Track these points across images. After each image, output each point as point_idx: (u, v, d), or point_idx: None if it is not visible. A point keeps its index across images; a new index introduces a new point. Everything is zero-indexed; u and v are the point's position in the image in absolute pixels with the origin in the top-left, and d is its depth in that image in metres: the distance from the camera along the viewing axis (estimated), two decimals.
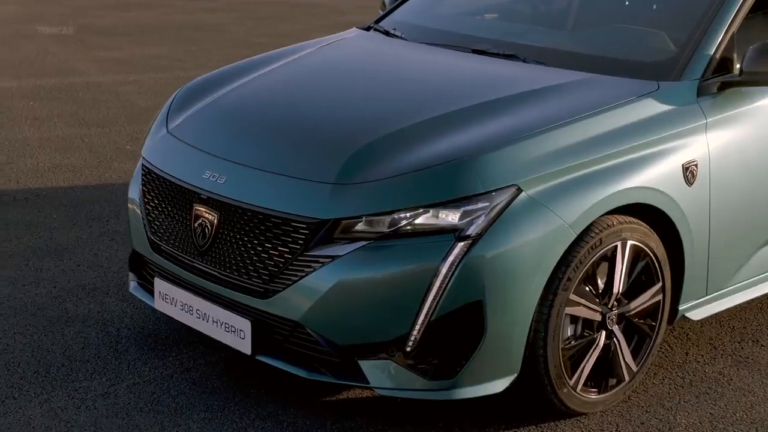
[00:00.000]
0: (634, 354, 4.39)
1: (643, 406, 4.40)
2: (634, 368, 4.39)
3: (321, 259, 3.93)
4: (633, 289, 4.31)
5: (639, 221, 4.25)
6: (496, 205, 3.91)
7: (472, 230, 3.87)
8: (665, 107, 4.38)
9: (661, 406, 4.41)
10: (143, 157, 4.65)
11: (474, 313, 3.90)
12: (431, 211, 3.91)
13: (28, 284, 5.46)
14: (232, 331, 4.17)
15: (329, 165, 4.07)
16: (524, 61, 4.78)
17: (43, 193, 6.85)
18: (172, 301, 4.41)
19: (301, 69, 5.01)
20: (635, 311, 4.33)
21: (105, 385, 4.48)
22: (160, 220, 4.45)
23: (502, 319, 3.93)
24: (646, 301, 4.35)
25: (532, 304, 3.97)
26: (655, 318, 4.42)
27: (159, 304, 4.49)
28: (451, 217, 3.89)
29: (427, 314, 3.88)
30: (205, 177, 4.25)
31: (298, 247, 3.96)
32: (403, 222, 3.90)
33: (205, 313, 4.27)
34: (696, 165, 4.37)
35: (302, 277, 3.96)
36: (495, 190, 3.92)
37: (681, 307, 4.53)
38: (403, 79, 4.79)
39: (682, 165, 4.34)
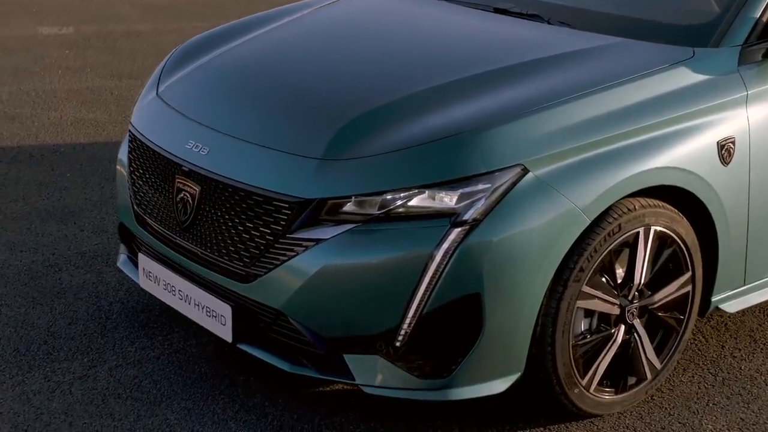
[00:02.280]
0: (659, 350, 3.97)
1: (666, 408, 3.99)
2: (658, 366, 3.97)
3: (304, 243, 3.56)
4: (658, 280, 3.88)
5: (666, 205, 3.81)
6: (499, 186, 3.49)
7: (469, 215, 3.46)
8: (700, 77, 3.91)
9: (687, 409, 3.99)
10: (130, 122, 4.31)
11: (471, 306, 3.50)
12: (427, 192, 3.51)
13: (26, 250, 5.17)
14: (213, 316, 3.83)
15: (318, 138, 3.68)
16: (548, 23, 4.32)
17: (60, 150, 6.56)
18: (156, 279, 4.08)
19: (304, 29, 4.60)
20: (660, 304, 3.90)
21: (85, 367, 4.18)
22: (144, 191, 4.11)
23: (504, 313, 3.53)
24: (672, 293, 3.92)
25: (538, 297, 3.57)
26: (683, 311, 3.98)
27: (143, 282, 4.17)
28: (447, 200, 3.49)
29: (418, 306, 3.49)
30: (188, 147, 3.89)
31: (280, 228, 3.59)
32: (396, 204, 3.51)
33: (187, 295, 3.93)
34: (733, 142, 3.91)
35: (284, 261, 3.59)
36: (498, 170, 3.50)
37: (714, 299, 4.09)
38: (411, 42, 4.36)
39: (717, 142, 3.88)
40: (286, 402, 3.98)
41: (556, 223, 3.53)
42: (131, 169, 4.19)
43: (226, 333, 3.80)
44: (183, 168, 3.86)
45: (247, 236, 3.67)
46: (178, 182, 3.88)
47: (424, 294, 3.48)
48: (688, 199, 3.87)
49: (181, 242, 3.91)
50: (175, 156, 3.91)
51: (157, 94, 4.29)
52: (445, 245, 3.45)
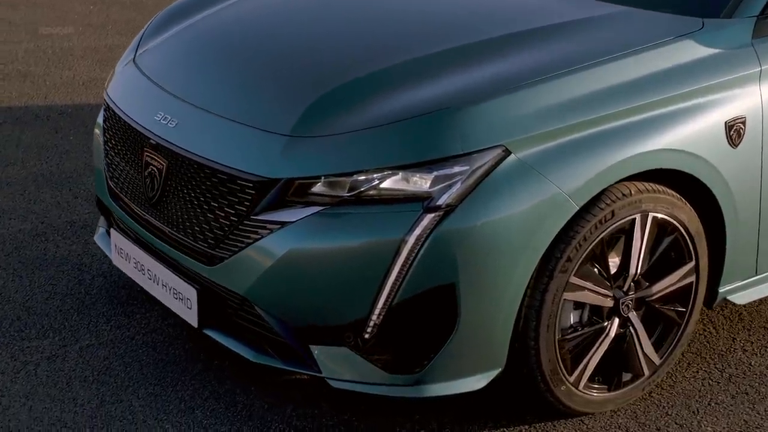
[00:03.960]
0: (658, 345, 3.69)
1: (664, 407, 3.71)
2: (657, 361, 3.69)
3: (269, 225, 3.32)
4: (656, 270, 3.60)
5: (666, 189, 3.52)
6: (477, 169, 3.22)
7: (443, 199, 3.20)
8: (709, 51, 3.59)
9: (686, 408, 3.71)
10: (105, 90, 4.09)
11: (445, 297, 3.25)
12: (401, 173, 3.24)
13: (15, 218, 5.00)
14: (180, 299, 3.62)
15: (287, 113, 3.43)
16: None
17: (67, 111, 6.38)
18: (127, 257, 3.87)
19: None
20: (658, 295, 3.62)
21: (56, 346, 3.99)
22: (116, 163, 3.90)
23: (481, 305, 3.27)
24: (673, 284, 3.64)
25: (519, 288, 3.30)
26: (685, 303, 3.69)
27: (115, 259, 3.96)
28: (422, 183, 3.23)
29: (388, 296, 3.24)
30: (157, 119, 3.66)
31: (245, 209, 3.35)
32: (367, 186, 3.25)
33: (155, 275, 3.72)
34: (743, 122, 3.59)
35: (249, 244, 3.35)
36: (476, 152, 3.23)
37: (721, 289, 3.79)
38: (399, 10, 4.06)
39: (725, 122, 3.57)
40: (258, 389, 3.76)
41: (539, 209, 3.25)
42: (105, 139, 3.98)
43: (191, 317, 3.59)
44: (150, 141, 3.63)
45: (212, 216, 3.44)
46: (147, 155, 3.66)
47: (394, 283, 3.23)
48: (693, 184, 3.57)
49: (150, 219, 3.70)
50: (144, 127, 3.68)
51: (133, 60, 4.06)
52: (417, 231, 3.19)
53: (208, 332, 3.58)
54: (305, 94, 3.48)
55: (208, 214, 3.44)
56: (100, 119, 4.11)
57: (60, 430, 3.53)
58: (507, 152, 3.24)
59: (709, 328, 4.17)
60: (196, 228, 3.49)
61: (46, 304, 4.27)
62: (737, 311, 4.29)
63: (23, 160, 5.65)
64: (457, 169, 3.21)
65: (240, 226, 3.36)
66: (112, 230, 3.94)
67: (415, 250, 3.20)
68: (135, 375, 3.83)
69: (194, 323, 3.58)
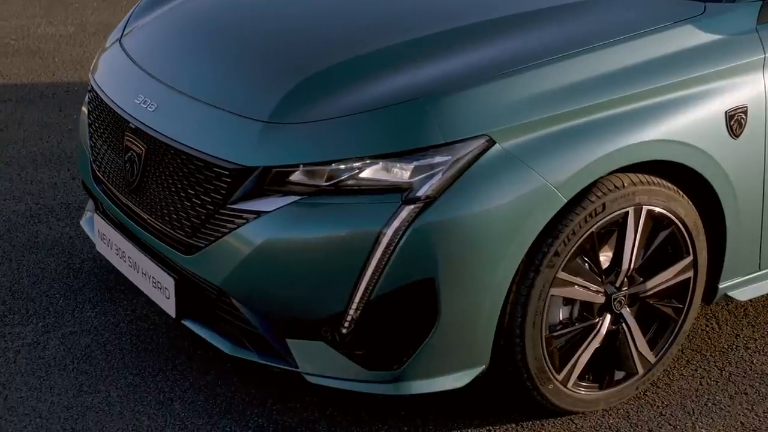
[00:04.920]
0: (653, 342, 3.55)
1: (658, 407, 3.57)
2: (652, 359, 3.55)
3: (245, 215, 3.20)
4: (651, 265, 3.45)
5: (662, 182, 3.37)
6: (459, 159, 3.09)
7: (423, 190, 3.07)
8: (710, 37, 3.43)
9: (682, 408, 3.57)
10: (90, 71, 3.99)
11: (424, 293, 3.12)
12: (381, 163, 3.12)
13: (9, 199, 4.91)
14: (159, 288, 3.52)
15: (266, 98, 3.31)
16: None
17: (74, 89, 6.28)
18: (109, 243, 3.77)
19: None
20: (653, 291, 3.48)
21: (38, 333, 3.90)
22: (99, 146, 3.80)
23: (463, 301, 3.15)
24: (669, 279, 3.49)
25: (503, 284, 3.17)
26: (682, 299, 3.55)
27: (99, 245, 3.87)
28: (402, 173, 3.10)
29: (366, 290, 3.13)
30: (137, 102, 3.55)
31: (221, 197, 3.24)
32: (346, 175, 3.13)
33: (136, 263, 3.62)
34: (745, 112, 3.44)
35: (225, 233, 3.24)
36: (458, 141, 3.10)
37: (722, 285, 3.64)
38: None
39: (726, 112, 3.41)
40: (240, 381, 3.66)
41: (525, 201, 3.12)
42: (89, 121, 3.88)
43: (169, 307, 3.49)
44: (130, 125, 3.53)
45: (189, 204, 3.33)
46: (127, 140, 3.55)
47: (372, 277, 3.11)
48: (692, 176, 3.42)
49: (131, 205, 3.60)
50: (124, 111, 3.58)
51: (119, 40, 3.95)
52: (396, 223, 3.07)
53: (187, 323, 3.48)
54: (285, 79, 3.36)
55: (186, 202, 3.34)
56: (86, 100, 4.02)
57: (33, 421, 3.45)
58: (491, 142, 3.11)
59: (711, 324, 4.02)
60: (174, 216, 3.39)
61: (33, 288, 4.19)
62: (742, 306, 4.13)
63: (24, 139, 5.57)
64: (438, 159, 3.09)
65: (216, 215, 3.25)
66: (95, 215, 3.84)
67: (394, 243, 3.08)
68: (116, 364, 3.74)
69: (172, 313, 3.48)
